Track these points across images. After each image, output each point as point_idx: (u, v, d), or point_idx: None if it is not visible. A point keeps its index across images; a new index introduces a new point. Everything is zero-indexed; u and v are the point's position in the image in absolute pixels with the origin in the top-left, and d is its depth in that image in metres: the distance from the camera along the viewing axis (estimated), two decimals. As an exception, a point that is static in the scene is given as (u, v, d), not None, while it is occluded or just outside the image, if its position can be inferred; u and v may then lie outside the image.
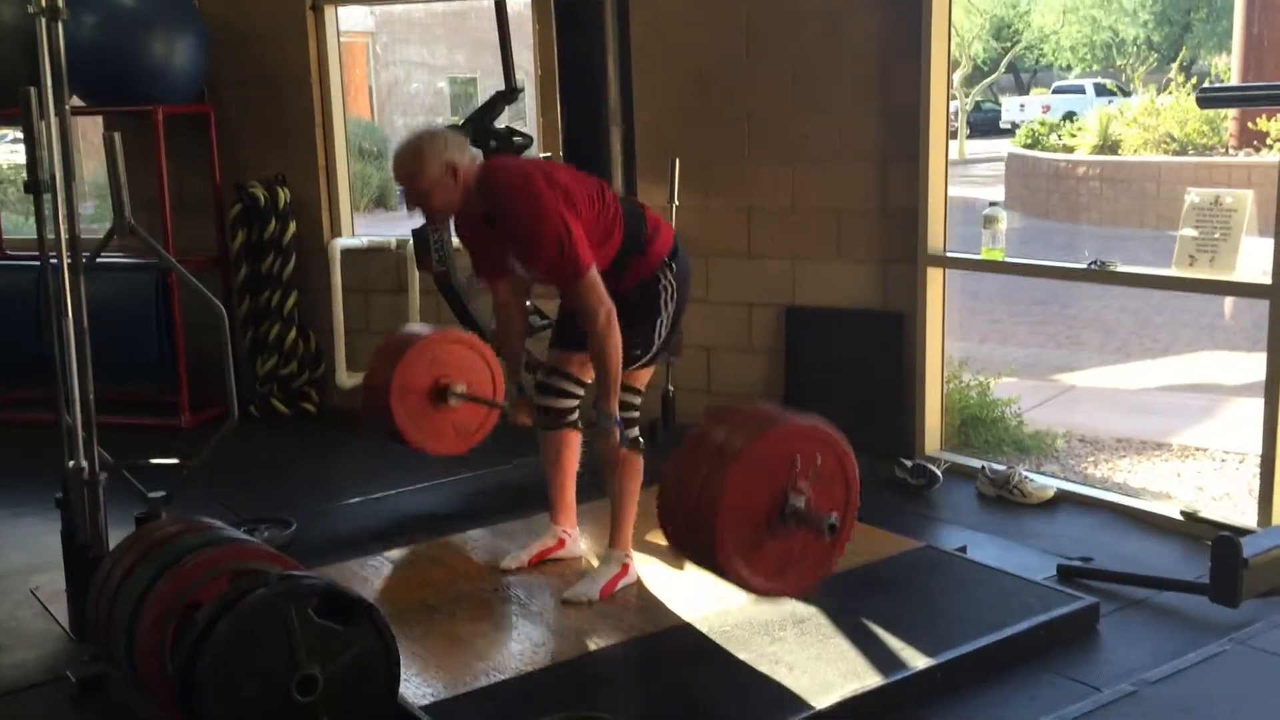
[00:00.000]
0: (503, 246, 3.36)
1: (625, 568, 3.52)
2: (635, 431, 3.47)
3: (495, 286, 3.56)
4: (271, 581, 2.56)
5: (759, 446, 2.79)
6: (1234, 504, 4.66)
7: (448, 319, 4.83)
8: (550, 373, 3.57)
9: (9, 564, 4.01)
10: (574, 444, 3.67)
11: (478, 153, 3.38)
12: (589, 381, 3.52)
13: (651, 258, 3.41)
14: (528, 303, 3.78)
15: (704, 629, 3.26)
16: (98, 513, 3.35)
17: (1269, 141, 11.98)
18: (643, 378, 3.49)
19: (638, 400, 3.50)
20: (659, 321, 3.43)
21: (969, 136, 23.67)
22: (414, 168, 3.21)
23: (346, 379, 5.82)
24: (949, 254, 4.75)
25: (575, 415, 3.60)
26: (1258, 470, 3.97)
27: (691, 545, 2.90)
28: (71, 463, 3.35)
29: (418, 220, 4.75)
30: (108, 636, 2.84)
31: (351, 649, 2.59)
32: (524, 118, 11.60)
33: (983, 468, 4.52)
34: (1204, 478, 5.05)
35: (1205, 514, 4.04)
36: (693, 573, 3.64)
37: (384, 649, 2.64)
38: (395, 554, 3.87)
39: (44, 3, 3.19)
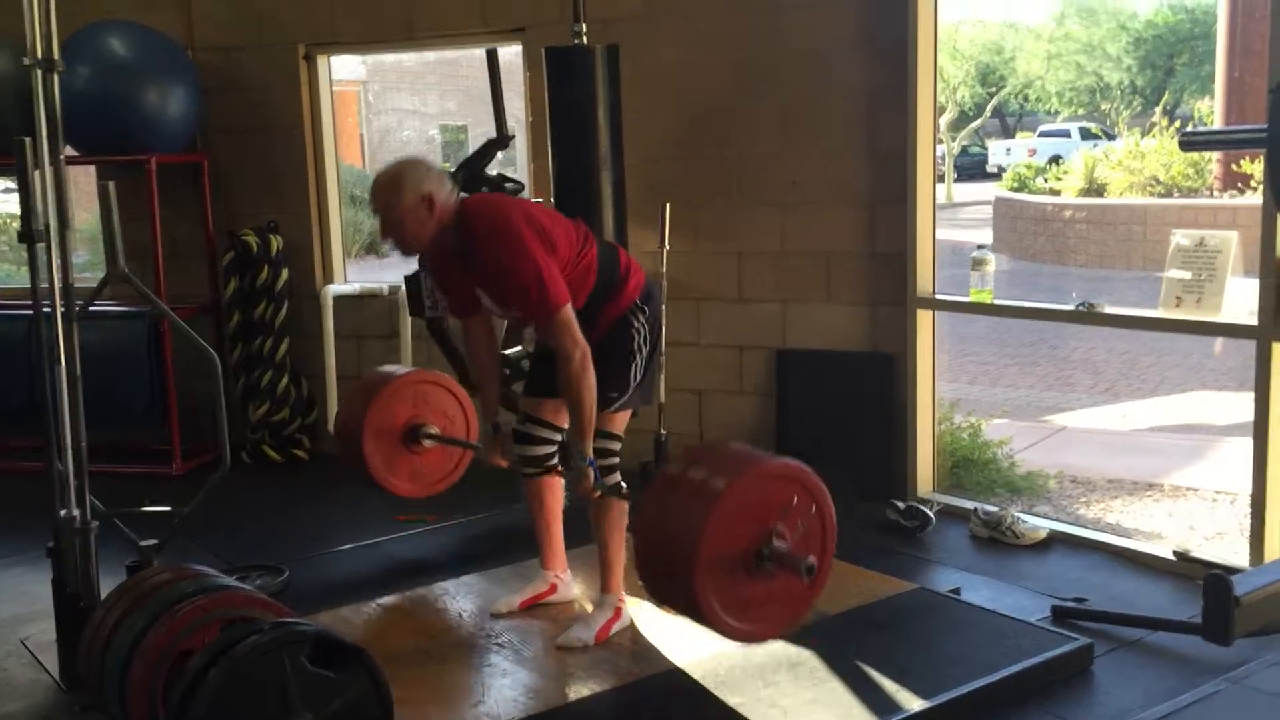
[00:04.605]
0: (476, 283, 3.36)
1: (619, 611, 3.51)
2: (617, 476, 3.47)
3: (467, 323, 3.55)
4: (264, 629, 2.55)
5: (740, 488, 2.76)
6: (1226, 543, 4.66)
7: (440, 365, 4.85)
8: (526, 420, 3.59)
9: (-2, 614, 3.99)
10: (557, 488, 3.67)
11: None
12: (565, 426, 3.54)
13: (624, 299, 3.42)
14: (504, 352, 3.77)
15: (699, 673, 3.25)
16: (89, 561, 3.33)
17: (1253, 183, 12.10)
18: (619, 422, 3.48)
19: (617, 445, 3.48)
20: (633, 365, 3.44)
21: (956, 180, 23.87)
22: (391, 195, 3.19)
23: (338, 425, 5.82)
24: (938, 296, 4.78)
25: (555, 460, 3.62)
26: (1249, 509, 3.98)
27: (669, 590, 2.85)
28: (63, 511, 3.34)
29: (411, 266, 4.78)
30: (99, 686, 2.82)
31: (345, 696, 2.58)
32: (515, 164, 11.67)
33: (975, 509, 4.53)
34: (1196, 517, 5.06)
35: (1197, 554, 4.05)
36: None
37: (377, 696, 2.63)
38: (388, 600, 3.86)
39: (39, 55, 3.22)
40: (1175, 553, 4.07)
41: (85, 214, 11.13)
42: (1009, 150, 26.14)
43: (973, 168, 26.67)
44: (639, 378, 3.46)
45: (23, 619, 3.88)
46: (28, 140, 3.25)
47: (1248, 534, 3.99)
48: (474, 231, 3.24)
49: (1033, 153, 23.57)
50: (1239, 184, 12.76)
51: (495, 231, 3.19)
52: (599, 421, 3.33)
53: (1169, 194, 13.77)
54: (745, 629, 2.84)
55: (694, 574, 2.70)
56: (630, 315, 3.44)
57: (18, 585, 4.19)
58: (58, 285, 3.29)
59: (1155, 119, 15.97)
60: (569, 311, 3.18)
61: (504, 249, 3.17)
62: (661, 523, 2.81)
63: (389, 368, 4.44)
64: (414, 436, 4.13)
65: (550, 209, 3.60)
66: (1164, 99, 22.05)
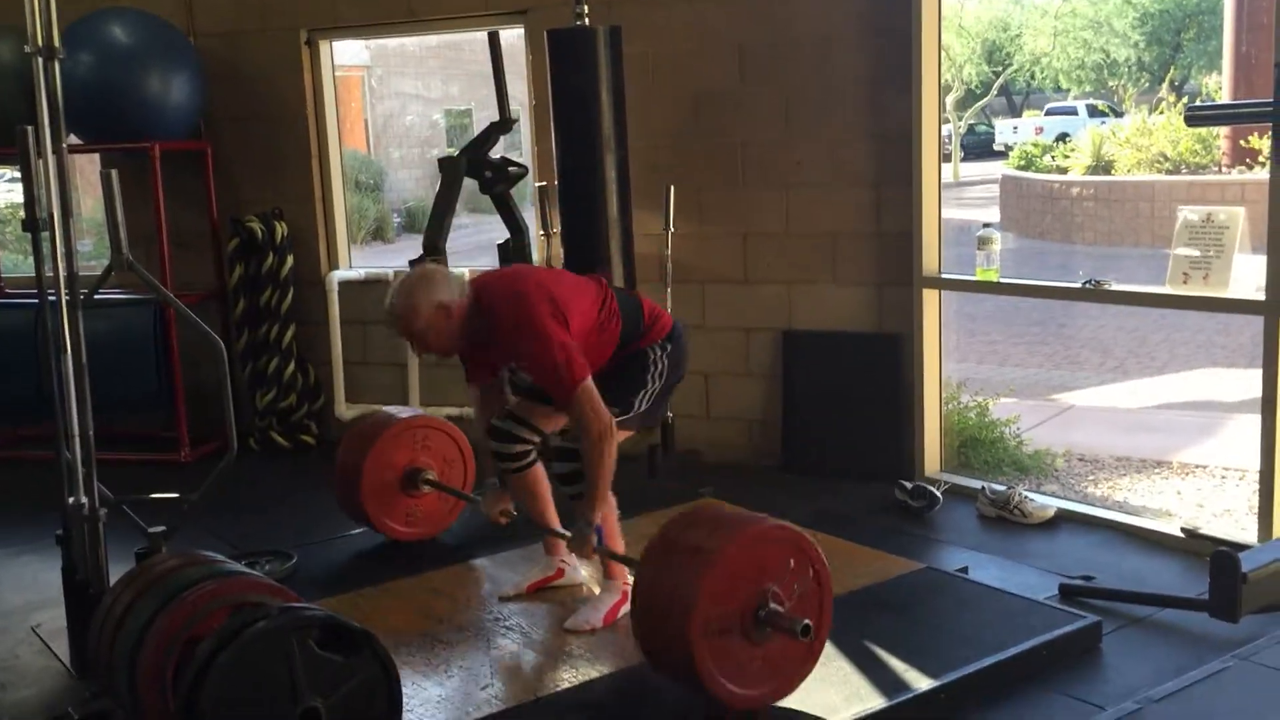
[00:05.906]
0: (498, 358, 3.48)
1: (625, 594, 3.51)
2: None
3: (479, 388, 3.63)
4: (272, 614, 2.56)
5: (734, 551, 2.77)
6: (1234, 520, 4.66)
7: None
8: (507, 417, 3.58)
9: (9, 602, 4.00)
10: (540, 475, 3.68)
11: (463, 279, 3.42)
12: (549, 431, 3.56)
13: (647, 340, 3.50)
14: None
15: (706, 654, 3.25)
16: (98, 549, 3.35)
17: (1261, 159, 12.02)
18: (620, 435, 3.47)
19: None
20: (642, 392, 3.47)
21: (963, 159, 23.74)
22: (409, 316, 3.29)
23: (345, 411, 5.82)
24: (944, 276, 4.77)
25: (532, 457, 3.61)
26: (1257, 486, 3.97)
27: (666, 655, 2.85)
28: (71, 499, 3.35)
29: (415, 251, 4.78)
30: (109, 673, 2.84)
31: (353, 680, 2.59)
32: (519, 148, 11.64)
33: (983, 488, 4.52)
34: (1204, 495, 5.05)
35: (1206, 531, 4.04)
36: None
37: (386, 680, 2.64)
38: (396, 585, 3.87)
39: (40, 42, 3.22)
40: (1183, 530, 4.06)
41: (90, 202, 11.15)
42: (1015, 128, 25.96)
43: (979, 146, 26.49)
44: (644, 406, 3.50)
45: (33, 606, 3.90)
46: (30, 129, 3.25)
47: (1256, 511, 3.98)
48: (495, 316, 3.32)
49: (1040, 131, 23.43)
50: (1247, 160, 12.68)
51: (518, 325, 3.26)
52: None
53: (1177, 170, 13.70)
54: (744, 694, 2.81)
55: (690, 638, 2.70)
56: (650, 349, 3.50)
57: (28, 573, 4.22)
58: (62, 274, 3.29)
59: (1163, 95, 15.91)
60: (589, 385, 3.23)
61: (524, 338, 3.25)
62: (657, 587, 2.82)
63: (393, 409, 4.42)
64: (412, 481, 4.17)
65: (566, 273, 3.67)
66: (1171, 75, 21.92)
